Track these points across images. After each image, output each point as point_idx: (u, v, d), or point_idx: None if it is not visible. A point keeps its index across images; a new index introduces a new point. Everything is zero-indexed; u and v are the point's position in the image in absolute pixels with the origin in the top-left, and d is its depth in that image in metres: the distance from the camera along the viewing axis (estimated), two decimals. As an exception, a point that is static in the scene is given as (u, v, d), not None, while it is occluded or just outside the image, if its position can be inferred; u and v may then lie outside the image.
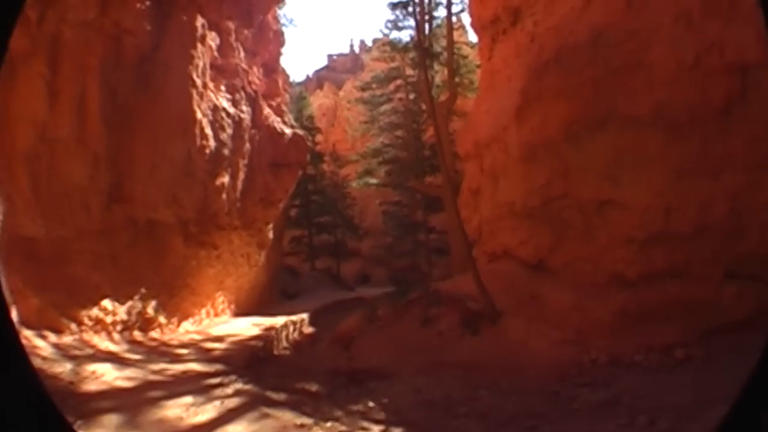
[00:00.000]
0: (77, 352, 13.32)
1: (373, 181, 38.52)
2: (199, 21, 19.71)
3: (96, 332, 15.15)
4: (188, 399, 11.02)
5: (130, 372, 12.82)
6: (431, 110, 24.93)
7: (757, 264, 14.17)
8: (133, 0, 17.06)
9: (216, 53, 21.72)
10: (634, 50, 14.89)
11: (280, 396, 12.48)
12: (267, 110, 26.98)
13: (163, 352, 16.08)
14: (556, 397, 12.43)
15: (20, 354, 3.18)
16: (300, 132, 31.35)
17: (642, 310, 15.00)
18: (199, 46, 19.52)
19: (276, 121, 27.83)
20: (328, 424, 10.36)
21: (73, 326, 14.43)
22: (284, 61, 32.89)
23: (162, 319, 18.68)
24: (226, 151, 21.37)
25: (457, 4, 31.26)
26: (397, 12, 34.32)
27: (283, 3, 30.08)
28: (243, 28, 24.60)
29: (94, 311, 15.20)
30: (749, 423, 2.96)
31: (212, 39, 21.21)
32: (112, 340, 15.43)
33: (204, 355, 16.40)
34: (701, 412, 9.21)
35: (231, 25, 23.15)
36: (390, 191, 36.40)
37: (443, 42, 32.51)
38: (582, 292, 16.24)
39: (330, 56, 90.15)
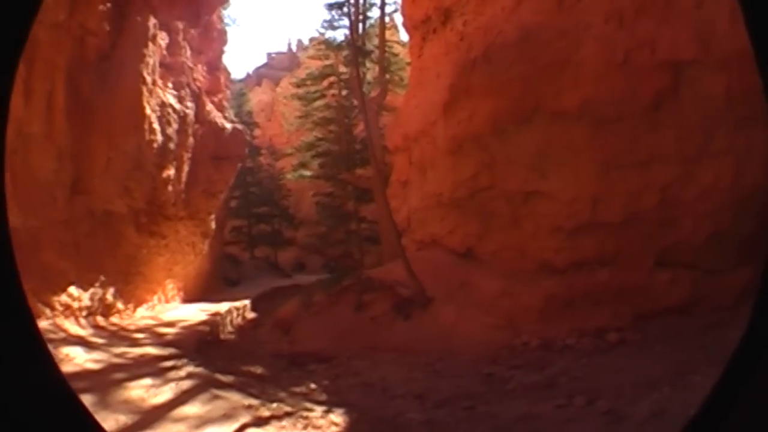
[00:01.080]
0: (52, 336, 13.16)
1: (307, 173, 38.05)
2: (152, 21, 19.44)
3: (66, 317, 15.01)
4: (148, 381, 10.90)
5: (96, 355, 12.71)
6: (362, 106, 25.09)
7: (693, 252, 14.11)
8: (96, 2, 16.82)
9: (165, 52, 21.52)
10: (563, 48, 14.58)
11: (228, 378, 12.31)
12: (209, 106, 26.54)
13: (123, 336, 15.95)
14: (490, 379, 12.34)
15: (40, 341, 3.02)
16: (239, 127, 30.89)
17: (572, 296, 14.85)
18: (150, 45, 19.31)
19: (217, 117, 27.42)
20: (274, 405, 10.25)
21: (48, 311, 14.31)
22: (226, 59, 32.78)
23: (120, 305, 18.51)
24: (171, 145, 21.12)
25: (390, 4, 31.36)
26: (333, 12, 33.94)
27: (228, 4, 29.31)
28: (190, 28, 24.28)
29: (63, 297, 15.06)
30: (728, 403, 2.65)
31: (162, 38, 21.04)
32: (79, 324, 15.27)
33: (158, 339, 16.26)
34: (642, 393, 8.96)
35: (180, 25, 22.86)
36: (323, 183, 35.98)
37: (376, 41, 32.29)
38: (511, 279, 16.04)
39: (269, 54, 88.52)
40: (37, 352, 2.86)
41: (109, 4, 17.33)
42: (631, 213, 14.33)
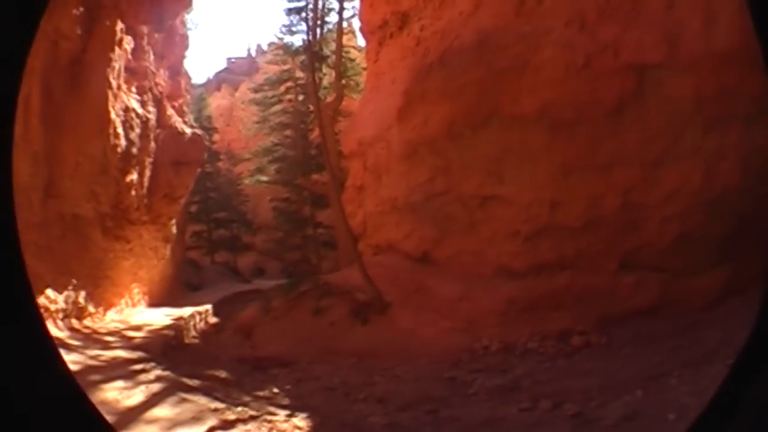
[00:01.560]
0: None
1: (264, 178, 37.57)
2: (119, 25, 19.21)
3: (45, 319, 14.46)
4: (120, 383, 10.79)
5: (74, 357, 12.58)
6: (317, 111, 24.65)
7: (660, 255, 13.77)
8: (70, 6, 16.57)
9: (130, 56, 21.17)
10: (522, 53, 14.18)
11: (194, 382, 12.19)
12: (170, 111, 26.20)
13: (95, 339, 15.74)
14: (452, 383, 12.25)
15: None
16: (199, 132, 30.37)
17: (532, 300, 14.55)
18: (117, 49, 19.12)
19: (178, 121, 26.99)
20: (239, 409, 10.23)
21: (29, 313, 13.76)
22: (188, 64, 32.40)
23: (91, 308, 18.23)
24: (134, 150, 20.92)
25: (348, 9, 30.58)
26: (292, 17, 33.24)
27: (191, 8, 28.57)
28: (154, 32, 23.89)
29: (42, 299, 14.84)
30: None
31: (128, 43, 20.74)
32: (57, 327, 15.12)
33: (128, 342, 16.03)
34: (612, 396, 8.90)
35: (145, 29, 22.47)
36: (280, 188, 35.60)
37: (333, 46, 31.76)
38: (469, 283, 15.75)
39: (229, 59, 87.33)
40: (47, 352, 2.89)
41: (81, 8, 17.12)
42: (592, 216, 13.99)
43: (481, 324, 14.81)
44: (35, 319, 2.88)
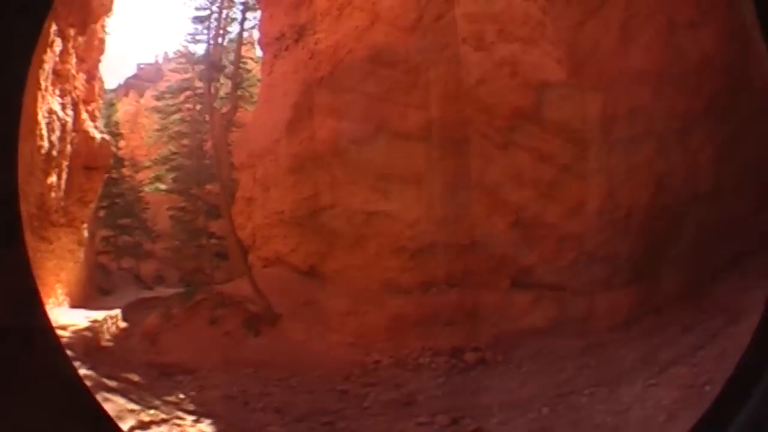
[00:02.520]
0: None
1: (162, 186, 36.23)
2: (53, 27, 18.87)
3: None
4: None
5: None
6: (212, 121, 24.45)
7: (557, 273, 13.41)
8: None
9: (57, 58, 20.60)
10: (413, 69, 13.97)
11: (113, 383, 12.18)
12: (84, 115, 25.26)
13: None
14: (346, 396, 12.27)
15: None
16: (107, 137, 29.30)
17: (421, 316, 14.33)
18: (48, 51, 18.68)
19: (90, 126, 25.98)
20: (152, 412, 10.44)
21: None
22: (102, 68, 31.53)
23: None
24: (54, 152, 20.38)
25: (250, 20, 29.88)
26: (197, 26, 32.03)
27: (111, 13, 27.41)
28: (78, 36, 23.18)
29: None
30: None
31: (57, 45, 20.22)
32: None
33: None
34: (515, 413, 8.87)
35: (72, 32, 21.84)
36: (176, 197, 34.48)
37: (233, 56, 31.09)
38: (357, 297, 15.56)
39: (138, 65, 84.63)
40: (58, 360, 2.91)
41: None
42: (481, 234, 13.70)
43: (370, 338, 14.63)
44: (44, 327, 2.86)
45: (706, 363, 8.63)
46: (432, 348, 13.74)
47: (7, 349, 2.55)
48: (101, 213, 40.88)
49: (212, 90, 25.80)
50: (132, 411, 10.10)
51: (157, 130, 38.78)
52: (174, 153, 35.28)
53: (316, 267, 17.26)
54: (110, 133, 36.34)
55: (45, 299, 20.14)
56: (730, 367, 2.56)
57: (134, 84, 79.64)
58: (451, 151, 13.56)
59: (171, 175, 34.74)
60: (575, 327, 12.71)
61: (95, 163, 26.75)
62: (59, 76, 21.12)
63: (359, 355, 14.52)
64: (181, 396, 12.47)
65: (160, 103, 38.14)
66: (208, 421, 10.42)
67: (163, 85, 47.09)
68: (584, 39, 11.88)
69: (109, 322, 22.38)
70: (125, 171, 49.94)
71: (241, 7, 30.91)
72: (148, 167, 41.13)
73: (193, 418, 10.53)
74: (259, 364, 15.21)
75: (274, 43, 21.27)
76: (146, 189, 41.32)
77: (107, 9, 26.17)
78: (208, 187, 30.94)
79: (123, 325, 23.81)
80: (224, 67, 30.69)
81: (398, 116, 14.00)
